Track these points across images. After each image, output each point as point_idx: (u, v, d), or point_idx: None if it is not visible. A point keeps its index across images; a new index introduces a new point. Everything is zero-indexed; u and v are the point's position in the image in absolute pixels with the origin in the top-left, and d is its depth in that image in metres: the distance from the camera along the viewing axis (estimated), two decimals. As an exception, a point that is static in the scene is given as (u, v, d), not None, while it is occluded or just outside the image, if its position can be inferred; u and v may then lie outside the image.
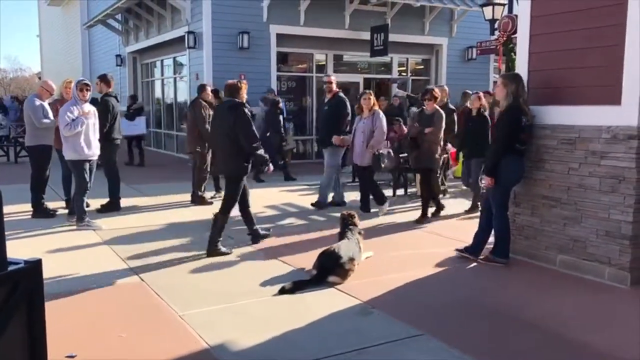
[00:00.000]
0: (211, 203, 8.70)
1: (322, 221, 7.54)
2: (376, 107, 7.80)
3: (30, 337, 2.34)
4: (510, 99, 5.33)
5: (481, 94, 8.17)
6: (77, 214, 6.98)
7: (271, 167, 6.11)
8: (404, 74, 16.66)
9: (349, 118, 8.39)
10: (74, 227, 6.92)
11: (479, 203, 7.62)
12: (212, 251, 5.74)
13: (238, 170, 5.88)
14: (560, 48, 5.33)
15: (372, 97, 7.81)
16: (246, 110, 5.87)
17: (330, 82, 8.49)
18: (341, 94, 8.47)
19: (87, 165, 6.98)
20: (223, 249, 5.81)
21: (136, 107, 14.31)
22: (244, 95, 6.02)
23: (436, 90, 7.70)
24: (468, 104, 8.46)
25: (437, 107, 7.54)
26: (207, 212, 8.05)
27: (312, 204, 8.37)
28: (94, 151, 7.08)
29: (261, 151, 5.91)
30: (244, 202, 6.18)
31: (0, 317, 2.19)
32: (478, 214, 7.47)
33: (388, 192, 9.65)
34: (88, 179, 6.99)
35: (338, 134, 8.12)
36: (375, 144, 7.60)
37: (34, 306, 2.34)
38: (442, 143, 7.61)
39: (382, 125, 7.65)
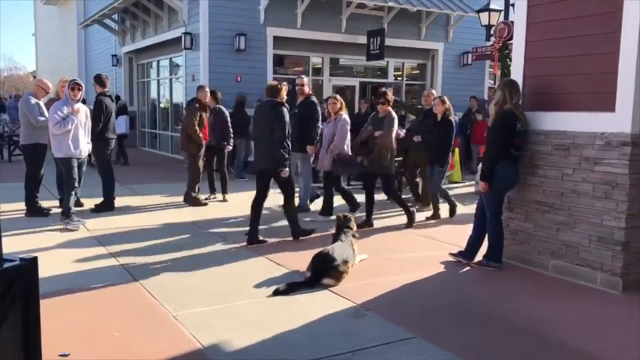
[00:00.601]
0: (205, 204, 8.70)
1: (316, 223, 7.54)
2: (342, 112, 7.62)
3: (25, 335, 2.34)
4: (498, 105, 5.37)
5: (445, 98, 7.88)
6: (64, 210, 6.96)
7: (286, 171, 6.30)
8: (399, 78, 16.72)
9: (320, 123, 8.10)
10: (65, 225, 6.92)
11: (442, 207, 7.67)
12: (299, 233, 6.60)
13: (275, 166, 6.26)
14: (556, 55, 5.37)
15: (339, 102, 7.66)
16: (284, 110, 6.27)
17: (302, 85, 8.12)
18: (313, 98, 8.18)
19: (75, 163, 7.00)
20: (306, 229, 6.70)
21: (118, 107, 14.21)
22: (284, 96, 6.42)
23: (389, 93, 7.49)
24: (435, 106, 7.91)
25: (390, 111, 7.35)
26: (201, 213, 8.07)
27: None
28: (82, 150, 7.09)
29: (285, 152, 6.22)
30: (261, 198, 6.48)
31: (-4, 314, 2.19)
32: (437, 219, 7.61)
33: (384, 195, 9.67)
34: (76, 177, 7.00)
35: (309, 138, 7.91)
36: (334, 148, 7.47)
37: (29, 304, 2.34)
38: (394, 147, 7.32)
39: (342, 130, 7.49)
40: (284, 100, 6.39)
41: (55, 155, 7.06)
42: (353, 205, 7.91)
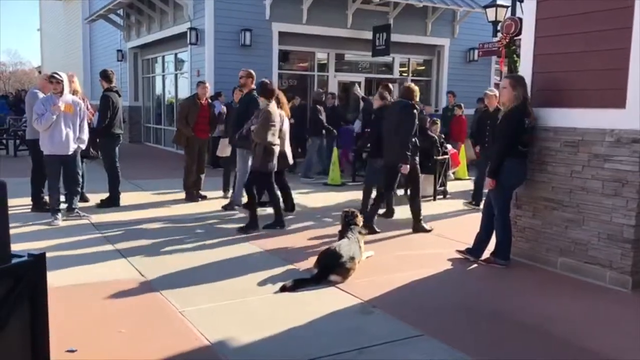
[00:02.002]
0: (197, 200, 8.58)
1: (322, 220, 7.52)
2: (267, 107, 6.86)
3: (32, 331, 2.32)
4: (519, 102, 5.30)
5: (382, 92, 7.63)
6: (51, 209, 6.93)
7: (407, 168, 6.66)
8: (405, 74, 16.66)
9: None
10: (72, 222, 6.93)
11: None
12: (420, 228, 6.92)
13: (397, 160, 6.67)
14: (566, 50, 5.31)
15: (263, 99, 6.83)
16: (415, 111, 6.71)
17: (241, 77, 7.65)
18: (255, 93, 7.44)
19: (56, 162, 6.83)
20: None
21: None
22: (417, 98, 6.88)
23: (267, 82, 6.90)
24: (375, 101, 7.82)
25: (266, 105, 6.66)
26: (207, 208, 8.05)
27: (222, 207, 8.00)
28: (67, 147, 6.84)
29: (408, 150, 6.60)
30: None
31: (3, 310, 2.17)
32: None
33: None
34: (58, 176, 6.92)
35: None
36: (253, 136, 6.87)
37: (37, 300, 2.33)
38: (274, 144, 6.75)
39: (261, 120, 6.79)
40: (416, 101, 6.82)
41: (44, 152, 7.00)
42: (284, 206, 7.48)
